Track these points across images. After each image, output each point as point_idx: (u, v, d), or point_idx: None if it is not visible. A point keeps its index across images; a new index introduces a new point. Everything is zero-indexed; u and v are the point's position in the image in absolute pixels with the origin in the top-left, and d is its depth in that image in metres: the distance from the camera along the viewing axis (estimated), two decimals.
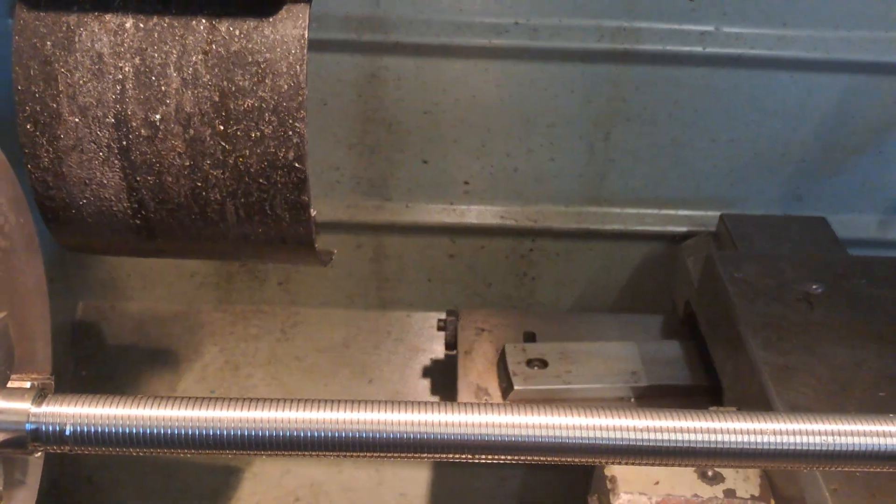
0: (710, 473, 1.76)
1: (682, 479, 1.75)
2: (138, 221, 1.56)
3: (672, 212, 2.70)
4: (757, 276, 2.11)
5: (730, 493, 1.73)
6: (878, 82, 2.48)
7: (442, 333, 2.59)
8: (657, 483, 1.73)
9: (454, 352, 2.51)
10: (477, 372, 2.38)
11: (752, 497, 1.72)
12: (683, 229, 2.70)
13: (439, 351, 2.93)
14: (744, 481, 1.76)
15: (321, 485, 2.72)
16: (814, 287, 2.04)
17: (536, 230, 2.73)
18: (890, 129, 2.54)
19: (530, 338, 2.50)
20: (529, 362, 2.31)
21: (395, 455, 1.07)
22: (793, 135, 2.54)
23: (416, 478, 2.74)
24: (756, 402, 1.83)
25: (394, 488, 2.72)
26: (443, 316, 2.58)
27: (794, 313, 2.00)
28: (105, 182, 1.50)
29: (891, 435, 1.05)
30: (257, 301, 2.92)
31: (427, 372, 2.89)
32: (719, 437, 1.05)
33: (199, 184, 1.49)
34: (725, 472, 1.78)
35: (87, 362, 2.83)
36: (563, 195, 2.68)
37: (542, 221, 2.71)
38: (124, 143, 1.45)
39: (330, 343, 2.92)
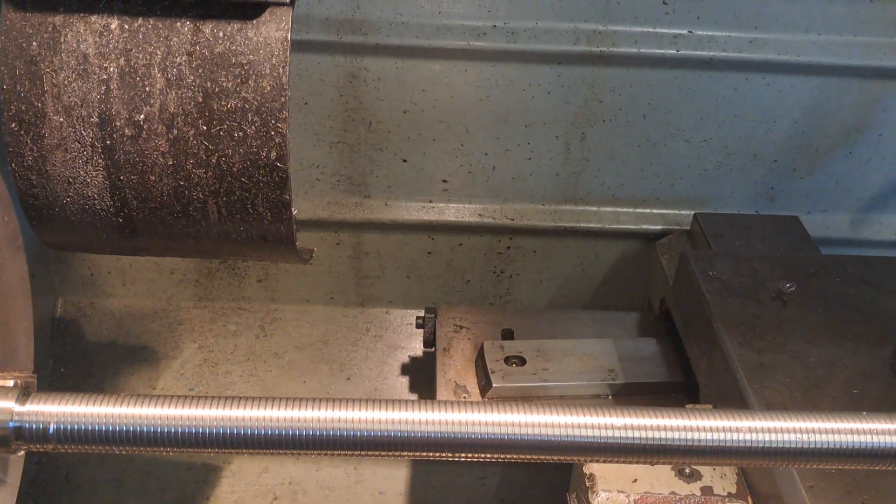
0: (687, 471, 1.79)
1: (660, 476, 1.78)
2: (121, 220, 1.57)
3: (647, 210, 2.74)
4: (731, 275, 2.15)
5: (707, 491, 1.75)
6: (848, 85, 2.52)
7: (420, 330, 2.61)
8: (635, 481, 1.76)
9: (433, 349, 2.53)
10: (455, 369, 2.40)
11: (729, 494, 1.75)
12: (658, 228, 2.73)
13: (418, 348, 2.95)
14: (721, 479, 1.79)
15: (299, 483, 2.73)
16: (787, 285, 2.07)
17: (514, 228, 2.76)
18: (860, 130, 2.59)
19: (508, 335, 2.53)
20: (507, 360, 2.34)
21: (375, 453, 1.09)
22: (765, 136, 2.58)
23: (394, 476, 2.75)
24: (731, 399, 1.86)
25: (372, 486, 2.74)
26: (421, 313, 2.60)
27: (767, 311, 2.04)
28: (88, 181, 1.51)
29: (863, 432, 1.07)
30: (237, 298, 2.93)
31: (406, 369, 2.91)
32: (696, 435, 1.07)
33: (182, 183, 1.50)
34: (703, 469, 1.80)
35: (67, 359, 2.83)
36: (540, 194, 2.71)
37: (520, 219, 2.74)
38: (108, 142, 1.46)
39: (309, 340, 2.94)
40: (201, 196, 1.52)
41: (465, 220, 2.75)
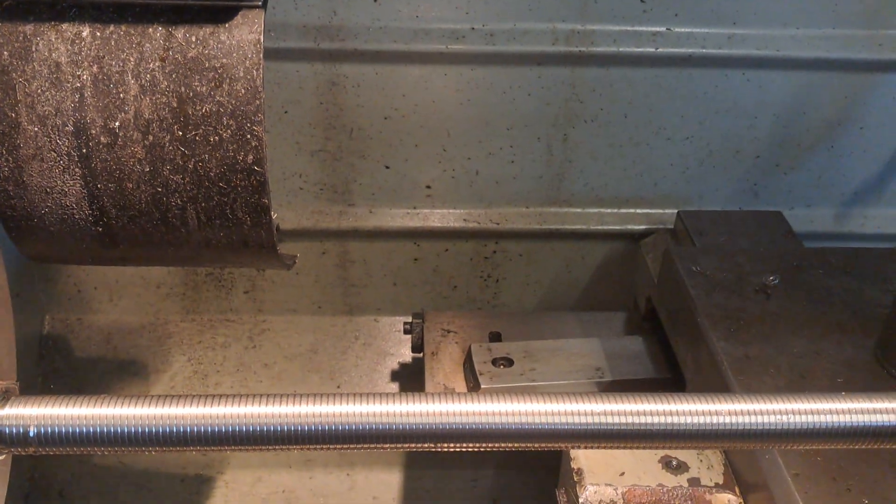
0: (674, 463, 1.80)
1: (647, 469, 1.78)
2: (100, 229, 1.57)
3: (631, 210, 2.74)
4: (714, 270, 2.15)
5: (694, 482, 1.76)
6: (829, 79, 2.54)
7: (409, 337, 2.61)
8: (622, 474, 1.76)
9: (421, 354, 2.53)
10: (444, 372, 2.40)
11: (717, 485, 1.75)
12: (642, 227, 2.74)
13: (407, 354, 2.95)
14: (707, 470, 1.79)
15: (293, 491, 2.73)
16: (771, 279, 2.08)
17: (499, 232, 2.76)
18: (842, 124, 2.60)
19: (496, 338, 2.53)
20: (495, 361, 2.34)
21: (363, 446, 1.09)
22: (747, 132, 2.59)
23: (387, 481, 2.75)
24: (718, 392, 1.86)
25: (366, 492, 2.73)
26: (409, 319, 2.60)
27: (752, 305, 2.05)
28: (66, 190, 1.51)
29: (842, 412, 1.08)
30: (224, 310, 2.92)
31: (395, 375, 2.91)
32: (677, 419, 1.07)
33: (160, 189, 1.50)
34: (689, 461, 1.81)
35: (56, 376, 2.82)
36: (524, 197, 2.71)
37: (505, 223, 2.74)
38: (84, 150, 1.46)
39: (298, 350, 2.93)
40: (180, 202, 1.52)
41: (449, 225, 2.75)
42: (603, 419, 1.07)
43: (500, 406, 1.07)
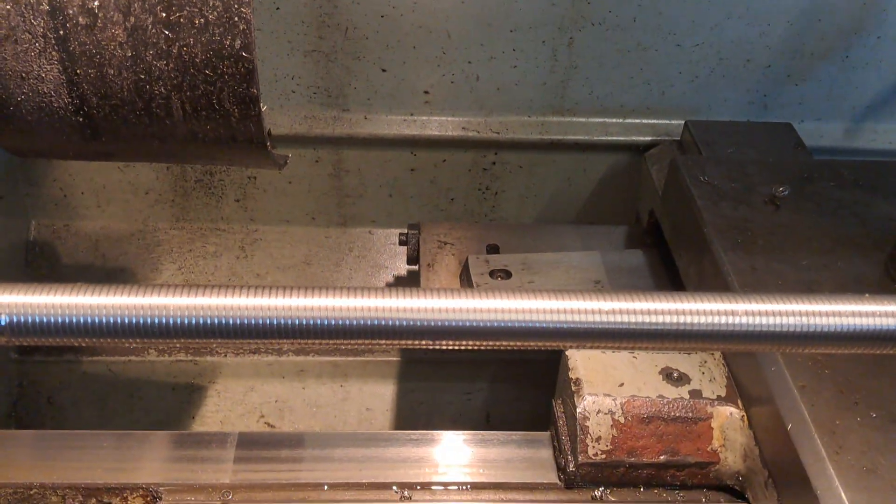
0: (675, 375, 1.75)
1: (648, 380, 1.73)
2: (81, 119, 1.49)
3: (636, 121, 2.66)
4: (722, 180, 2.08)
5: (695, 394, 1.71)
6: None
7: (404, 249, 2.54)
8: (622, 385, 1.71)
9: (416, 266, 2.47)
10: (440, 284, 2.34)
11: (718, 397, 1.70)
12: (647, 139, 2.66)
13: (402, 267, 2.89)
14: (710, 382, 1.74)
15: (286, 401, 2.69)
16: (780, 189, 2.01)
17: (499, 142, 2.68)
18: (858, 33, 2.50)
19: (493, 250, 2.47)
20: (493, 273, 2.28)
21: (358, 343, 1.03)
22: (759, 39, 2.49)
23: (380, 393, 2.72)
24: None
25: (359, 403, 2.70)
26: (405, 231, 2.53)
27: (760, 216, 1.98)
28: (43, 76, 1.42)
29: (866, 315, 1.01)
30: (215, 219, 2.85)
31: None
32: (689, 319, 1.01)
33: (143, 76, 1.42)
34: (691, 372, 1.76)
35: (42, 283, 2.76)
36: (526, 105, 2.62)
37: (505, 133, 2.66)
38: (61, 32, 1.37)
39: (291, 261, 2.87)
40: (164, 91, 1.44)
41: (448, 134, 2.66)
42: (612, 318, 1.01)
43: (507, 303, 1.01)
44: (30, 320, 0.99)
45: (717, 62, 2.53)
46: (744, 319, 1.00)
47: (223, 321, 0.99)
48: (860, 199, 2.05)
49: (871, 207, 2.02)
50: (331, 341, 1.01)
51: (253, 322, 0.99)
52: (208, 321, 0.98)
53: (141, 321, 0.98)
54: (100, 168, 2.71)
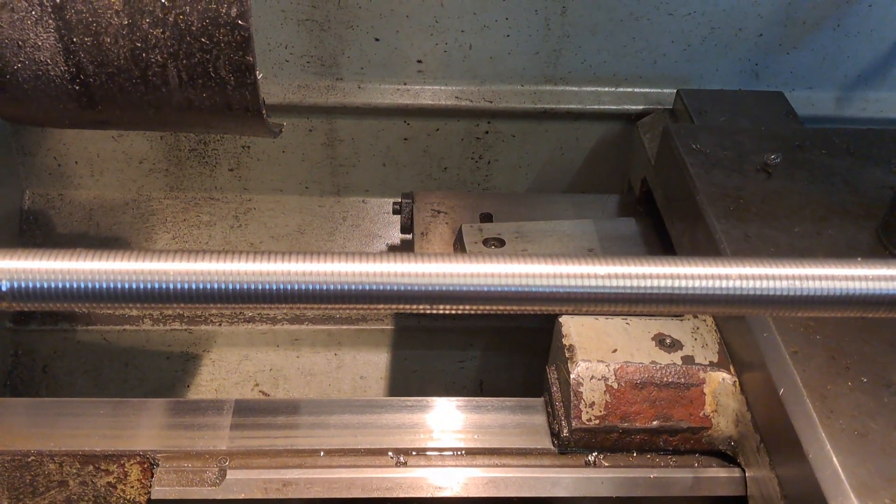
0: (668, 341, 1.76)
1: (640, 346, 1.75)
2: (77, 87, 1.49)
3: (629, 89, 2.66)
4: (714, 148, 2.09)
5: (688, 360, 1.73)
6: None
7: (398, 218, 2.55)
8: (615, 351, 1.73)
9: (410, 235, 2.48)
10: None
11: (711, 363, 1.72)
12: (640, 108, 2.66)
13: (395, 237, 2.90)
14: (702, 348, 1.76)
15: (280, 370, 2.71)
16: (772, 157, 2.02)
17: (492, 111, 2.68)
18: (850, 1, 2.50)
19: (487, 218, 2.48)
20: (486, 241, 2.29)
21: (353, 307, 1.03)
22: (751, 8, 2.49)
23: (374, 361, 2.73)
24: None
25: (353, 371, 2.72)
26: (398, 200, 2.54)
27: (752, 183, 1.99)
28: (39, 44, 1.42)
29: (858, 278, 1.03)
30: (209, 188, 2.85)
31: None
32: (683, 283, 1.02)
33: (139, 44, 1.42)
34: (683, 339, 1.78)
35: None
36: (519, 74, 2.62)
37: (498, 102, 2.66)
38: (58, 0, 1.37)
39: (284, 230, 2.88)
40: (160, 59, 1.44)
41: (441, 103, 2.66)
42: (608, 282, 1.02)
43: (503, 268, 1.01)
44: (31, 286, 0.99)
45: (709, 31, 2.54)
46: (737, 283, 1.01)
47: (223, 286, 0.99)
48: (852, 167, 2.06)
49: (863, 175, 2.04)
50: (327, 306, 1.01)
51: (252, 287, 0.99)
52: (208, 286, 0.99)
53: (142, 286, 0.99)
54: (94, 137, 2.70)
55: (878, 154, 2.09)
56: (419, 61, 2.58)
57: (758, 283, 1.01)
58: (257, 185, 2.85)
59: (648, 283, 1.01)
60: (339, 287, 1.01)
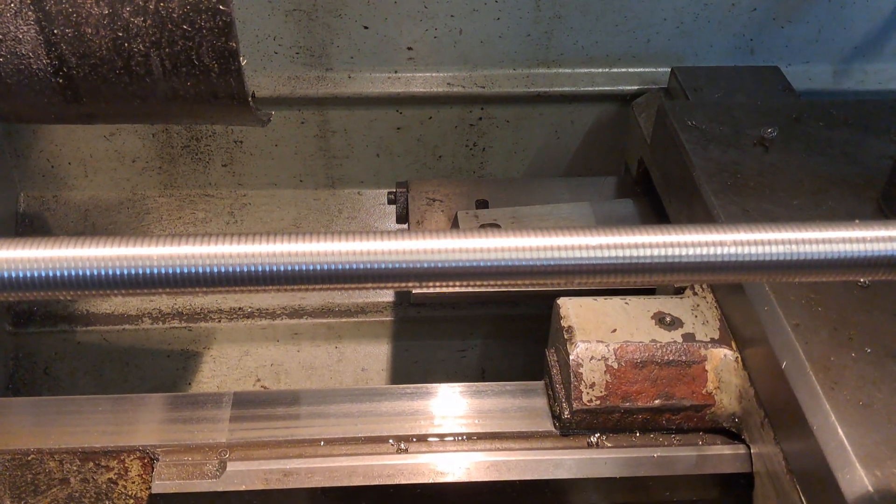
0: (667, 319, 1.74)
1: (640, 325, 1.73)
2: (60, 80, 1.47)
3: (622, 70, 2.64)
4: (710, 123, 2.07)
5: (689, 338, 1.70)
6: None
7: (393, 208, 2.53)
8: (614, 331, 1.71)
9: (406, 224, 2.46)
10: None
11: (712, 340, 1.70)
12: (634, 88, 2.64)
13: (392, 227, 2.88)
14: (703, 325, 1.74)
15: (281, 364, 2.69)
16: (769, 131, 2.00)
17: (485, 96, 2.66)
18: None
19: (482, 205, 2.46)
20: (482, 227, 2.27)
21: (345, 286, 1.01)
22: None
23: (375, 353, 2.72)
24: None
25: (354, 364, 2.70)
26: (393, 190, 2.52)
27: (749, 158, 1.97)
28: (20, 36, 1.40)
29: (856, 241, 1.00)
30: (203, 185, 2.83)
31: None
32: (678, 251, 1.00)
33: (121, 34, 1.40)
34: (683, 316, 1.76)
35: None
36: (511, 57, 2.60)
37: (490, 87, 2.63)
38: None
39: (280, 224, 2.86)
40: (142, 48, 1.42)
41: (433, 90, 2.64)
42: (599, 253, 1.00)
43: (493, 242, 1.00)
44: (13, 276, 0.97)
45: (702, 7, 2.51)
46: (733, 249, 0.99)
47: (207, 270, 0.98)
48: (850, 139, 2.04)
49: (862, 146, 2.02)
50: (315, 287, 0.99)
51: (237, 270, 0.97)
52: (192, 270, 0.97)
53: (126, 272, 0.97)
54: (86, 137, 2.69)
55: (876, 124, 2.07)
56: (409, 48, 2.56)
57: (754, 249, 0.99)
58: (251, 179, 2.83)
59: (641, 252, 0.99)
60: (325, 267, 0.99)
